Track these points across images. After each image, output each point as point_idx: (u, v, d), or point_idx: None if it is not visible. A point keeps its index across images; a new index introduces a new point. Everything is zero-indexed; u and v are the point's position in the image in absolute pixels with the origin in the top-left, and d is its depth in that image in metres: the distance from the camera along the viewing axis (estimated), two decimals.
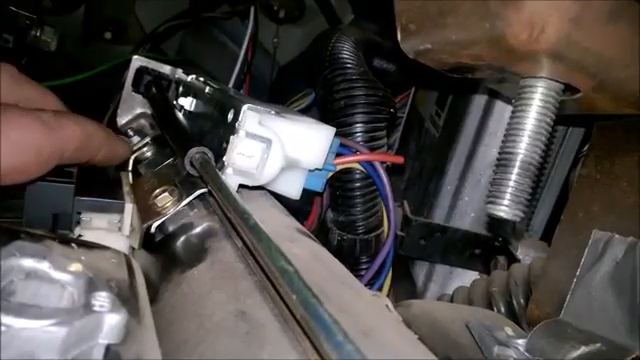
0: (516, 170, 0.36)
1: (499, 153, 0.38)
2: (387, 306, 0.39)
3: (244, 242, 0.34)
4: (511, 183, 0.36)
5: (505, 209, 0.36)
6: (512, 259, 0.67)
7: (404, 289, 0.82)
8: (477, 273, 0.74)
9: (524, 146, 0.36)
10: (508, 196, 0.36)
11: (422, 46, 0.38)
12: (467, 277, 0.73)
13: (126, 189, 0.62)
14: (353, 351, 0.21)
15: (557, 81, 0.35)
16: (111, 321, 0.27)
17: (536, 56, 0.31)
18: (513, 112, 0.37)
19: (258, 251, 0.31)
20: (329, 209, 0.73)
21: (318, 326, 0.23)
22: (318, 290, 0.34)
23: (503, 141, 0.38)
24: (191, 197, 0.47)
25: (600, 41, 0.31)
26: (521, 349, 0.44)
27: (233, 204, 0.36)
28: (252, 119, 0.47)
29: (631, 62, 0.32)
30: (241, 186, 0.49)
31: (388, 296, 0.74)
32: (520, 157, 0.36)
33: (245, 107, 0.46)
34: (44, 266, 0.29)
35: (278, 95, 1.14)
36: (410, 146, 0.96)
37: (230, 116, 0.48)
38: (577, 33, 0.30)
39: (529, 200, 0.37)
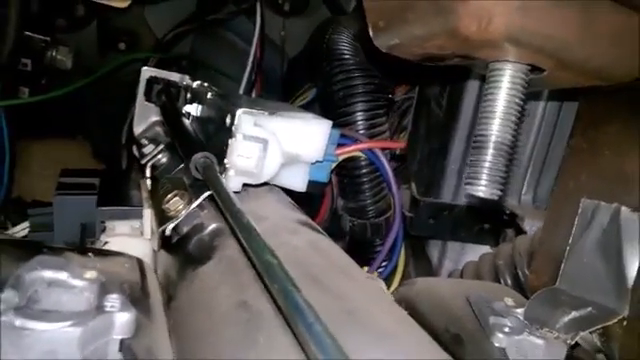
0: (490, 151, 0.38)
1: (475, 135, 0.40)
2: (382, 288, 0.42)
3: (238, 239, 0.37)
4: (487, 164, 0.38)
5: (483, 189, 0.38)
6: (520, 231, 0.68)
7: (422, 267, 0.85)
8: (488, 247, 0.75)
9: (496, 128, 0.38)
10: (485, 176, 0.38)
11: (392, 41, 0.40)
12: (479, 251, 0.74)
13: (144, 195, 0.66)
14: (321, 331, 0.24)
15: (522, 63, 0.37)
16: (122, 319, 0.31)
17: (490, 43, 0.33)
18: (484, 95, 0.39)
19: (250, 247, 0.34)
20: (339, 197, 0.76)
21: (293, 311, 0.26)
22: (311, 277, 0.37)
23: (477, 123, 0.39)
24: (199, 200, 0.51)
25: (549, 24, 0.32)
26: (521, 317, 0.46)
27: (228, 204, 0.39)
28: (247, 122, 0.49)
29: (587, 41, 0.34)
30: (247, 184, 0.52)
31: (404, 275, 0.77)
32: (493, 138, 0.38)
33: (240, 112, 0.49)
34: (63, 276, 0.33)
35: (291, 88, 1.15)
36: (420, 128, 0.97)
37: (228, 120, 0.51)
38: (524, 19, 0.31)
39: (505, 178, 0.39)
